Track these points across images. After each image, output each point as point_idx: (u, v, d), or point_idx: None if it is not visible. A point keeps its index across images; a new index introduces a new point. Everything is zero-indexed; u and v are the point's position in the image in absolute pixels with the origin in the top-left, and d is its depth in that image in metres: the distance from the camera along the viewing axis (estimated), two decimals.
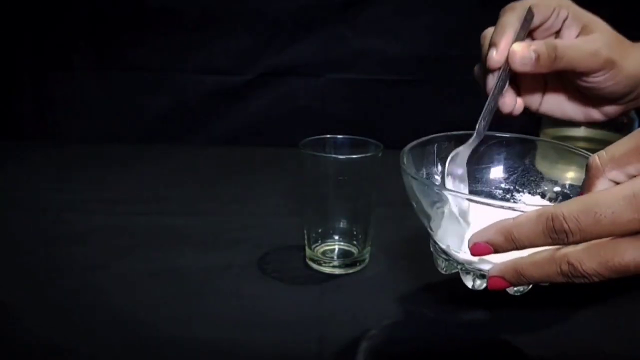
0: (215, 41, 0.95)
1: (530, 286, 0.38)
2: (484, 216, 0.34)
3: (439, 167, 0.45)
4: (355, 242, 0.57)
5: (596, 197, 0.29)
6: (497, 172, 0.49)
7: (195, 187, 0.80)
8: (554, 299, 0.52)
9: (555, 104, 0.50)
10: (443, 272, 0.41)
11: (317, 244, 0.57)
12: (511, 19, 0.46)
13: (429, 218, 0.41)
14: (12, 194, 0.75)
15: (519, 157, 0.49)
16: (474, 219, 0.37)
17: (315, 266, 0.56)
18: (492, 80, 0.46)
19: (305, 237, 0.57)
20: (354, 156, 0.54)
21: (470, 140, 0.44)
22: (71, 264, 0.57)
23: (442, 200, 0.38)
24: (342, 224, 0.57)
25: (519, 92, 0.49)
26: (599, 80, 0.45)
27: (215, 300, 0.51)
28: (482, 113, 0.44)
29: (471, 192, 0.46)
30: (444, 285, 0.54)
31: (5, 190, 0.77)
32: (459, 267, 0.40)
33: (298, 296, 0.52)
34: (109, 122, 1.00)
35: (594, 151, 0.32)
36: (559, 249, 0.31)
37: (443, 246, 0.40)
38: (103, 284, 0.53)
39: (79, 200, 0.73)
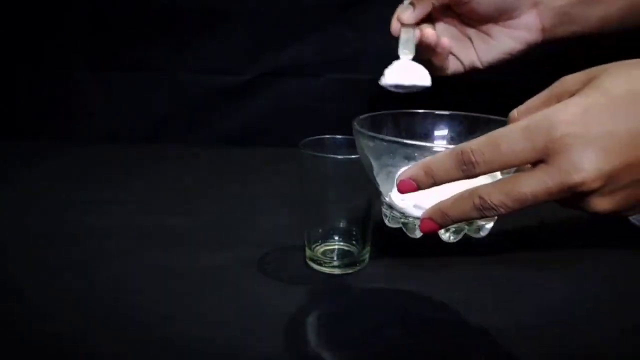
0: (215, 41, 0.95)
1: (461, 235, 0.44)
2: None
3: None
4: (355, 242, 0.57)
5: (499, 132, 0.34)
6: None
7: (195, 187, 0.80)
8: (553, 298, 0.52)
9: (466, 51, 0.59)
10: (388, 224, 0.47)
11: (317, 244, 0.57)
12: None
13: (378, 179, 0.46)
14: (11, 194, 0.75)
15: (468, 134, 0.54)
16: None
17: (315, 266, 0.56)
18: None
19: (305, 237, 0.57)
20: (354, 156, 0.54)
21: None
22: (70, 263, 0.57)
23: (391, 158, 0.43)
24: (342, 224, 0.57)
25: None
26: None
27: (215, 300, 0.51)
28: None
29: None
30: (443, 286, 0.54)
31: (5, 190, 0.77)
32: (400, 219, 0.45)
33: (298, 296, 0.52)
34: (109, 122, 1.00)
35: None
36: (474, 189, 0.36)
37: (387, 200, 0.46)
38: (102, 283, 0.53)
39: (78, 200, 0.73)
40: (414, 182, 0.37)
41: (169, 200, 0.74)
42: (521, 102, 0.39)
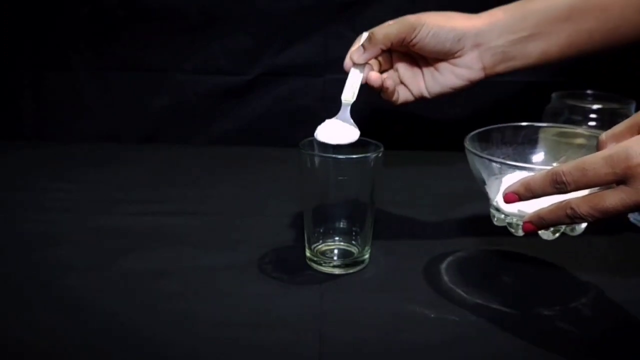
0: (215, 41, 0.95)
1: (557, 235, 0.51)
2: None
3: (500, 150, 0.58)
4: (355, 242, 0.57)
5: (586, 158, 0.41)
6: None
7: (195, 187, 0.80)
8: (551, 298, 0.52)
9: (417, 83, 0.62)
10: (495, 223, 0.54)
11: (317, 244, 0.57)
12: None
13: (487, 186, 0.54)
14: (12, 194, 0.75)
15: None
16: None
17: (315, 266, 0.56)
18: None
19: (305, 237, 0.57)
20: (354, 156, 0.54)
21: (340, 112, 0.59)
22: (71, 263, 0.57)
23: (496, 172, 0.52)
24: (342, 224, 0.57)
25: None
26: (412, 40, 0.58)
27: (215, 300, 0.51)
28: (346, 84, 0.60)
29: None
30: (443, 286, 0.54)
31: (5, 190, 0.77)
32: (506, 220, 0.52)
33: (298, 296, 0.52)
34: (109, 122, 1.00)
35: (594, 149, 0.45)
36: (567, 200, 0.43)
37: (495, 204, 0.53)
38: (102, 283, 0.53)
39: (78, 200, 0.73)
40: (517, 195, 0.45)
41: (169, 200, 0.74)
42: None
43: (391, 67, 0.63)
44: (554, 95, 0.81)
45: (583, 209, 0.42)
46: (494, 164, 0.51)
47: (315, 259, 0.56)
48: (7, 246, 0.61)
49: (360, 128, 0.56)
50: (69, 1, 0.94)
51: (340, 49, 0.96)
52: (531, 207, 0.47)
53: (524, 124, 0.58)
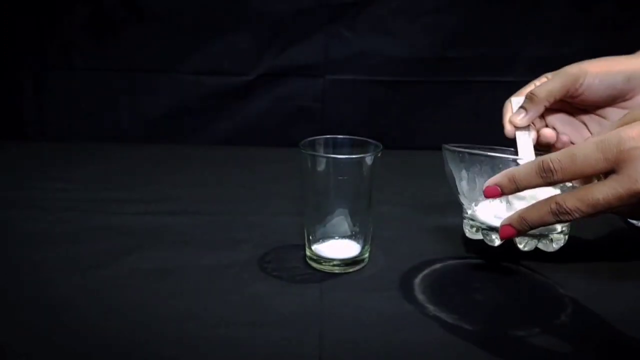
0: (216, 42, 0.96)
1: (535, 245, 0.49)
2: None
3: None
4: (355, 242, 0.57)
5: (575, 145, 0.39)
6: None
7: (196, 187, 0.80)
8: (549, 300, 0.52)
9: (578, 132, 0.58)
10: (468, 235, 0.53)
11: (317, 243, 0.57)
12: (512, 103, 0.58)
13: (462, 192, 0.53)
14: (12, 194, 0.75)
15: None
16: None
17: (315, 265, 0.56)
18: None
19: (305, 236, 0.57)
20: (354, 156, 0.54)
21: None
22: (71, 263, 0.57)
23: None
24: (342, 224, 0.57)
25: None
26: (577, 90, 0.54)
27: (216, 300, 0.51)
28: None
29: None
30: (443, 286, 0.54)
31: (5, 190, 0.77)
32: (481, 229, 0.51)
33: (298, 295, 0.52)
34: (109, 122, 1.00)
35: None
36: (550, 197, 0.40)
37: (470, 212, 0.52)
38: (102, 283, 0.53)
39: (78, 200, 0.73)
40: (499, 188, 0.41)
41: (169, 200, 0.74)
42: None
43: (546, 126, 0.60)
44: None
45: (570, 203, 0.39)
46: (471, 168, 0.48)
47: (315, 258, 0.56)
48: (7, 246, 0.61)
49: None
50: (70, 1, 0.94)
51: (341, 49, 0.97)
52: (508, 212, 0.44)
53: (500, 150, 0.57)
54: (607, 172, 0.38)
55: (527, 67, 0.94)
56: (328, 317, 0.49)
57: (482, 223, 0.51)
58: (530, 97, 0.55)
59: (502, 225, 0.43)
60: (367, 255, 0.57)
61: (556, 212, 0.39)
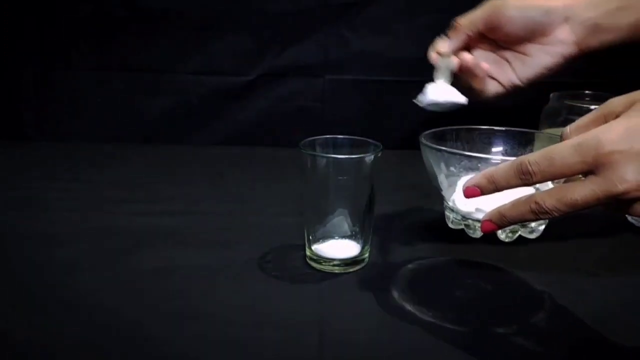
0: (216, 42, 0.96)
1: (516, 235, 0.51)
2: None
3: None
4: (355, 242, 0.57)
5: (553, 147, 0.39)
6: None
7: (196, 187, 0.80)
8: (549, 300, 0.52)
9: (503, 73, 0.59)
10: (450, 225, 0.54)
11: (317, 243, 0.57)
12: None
13: (442, 186, 0.54)
14: (12, 194, 0.75)
15: (520, 147, 0.64)
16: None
17: (315, 265, 0.56)
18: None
19: (305, 236, 0.57)
20: (354, 156, 0.54)
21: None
22: (72, 263, 0.57)
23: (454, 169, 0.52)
24: (342, 224, 0.57)
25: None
26: (500, 21, 0.56)
27: (215, 300, 0.51)
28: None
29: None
30: (443, 286, 0.54)
31: (5, 190, 0.77)
32: (462, 222, 0.51)
33: (298, 295, 0.52)
34: (109, 122, 1.00)
35: None
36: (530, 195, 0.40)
37: (450, 204, 0.53)
38: (103, 283, 0.53)
39: (78, 200, 0.73)
40: (478, 189, 0.42)
41: (170, 200, 0.74)
42: None
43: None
44: (552, 95, 0.81)
45: (549, 203, 0.39)
46: (450, 160, 0.49)
47: (315, 258, 0.56)
48: (9, 246, 0.61)
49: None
50: (70, 1, 0.94)
51: (341, 49, 0.97)
52: (490, 205, 0.44)
53: (482, 127, 0.61)
54: (586, 173, 0.38)
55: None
56: (328, 317, 0.49)
57: (463, 215, 0.52)
58: (453, 25, 0.57)
59: (484, 220, 0.44)
60: (367, 255, 0.57)
61: (535, 211, 0.40)
